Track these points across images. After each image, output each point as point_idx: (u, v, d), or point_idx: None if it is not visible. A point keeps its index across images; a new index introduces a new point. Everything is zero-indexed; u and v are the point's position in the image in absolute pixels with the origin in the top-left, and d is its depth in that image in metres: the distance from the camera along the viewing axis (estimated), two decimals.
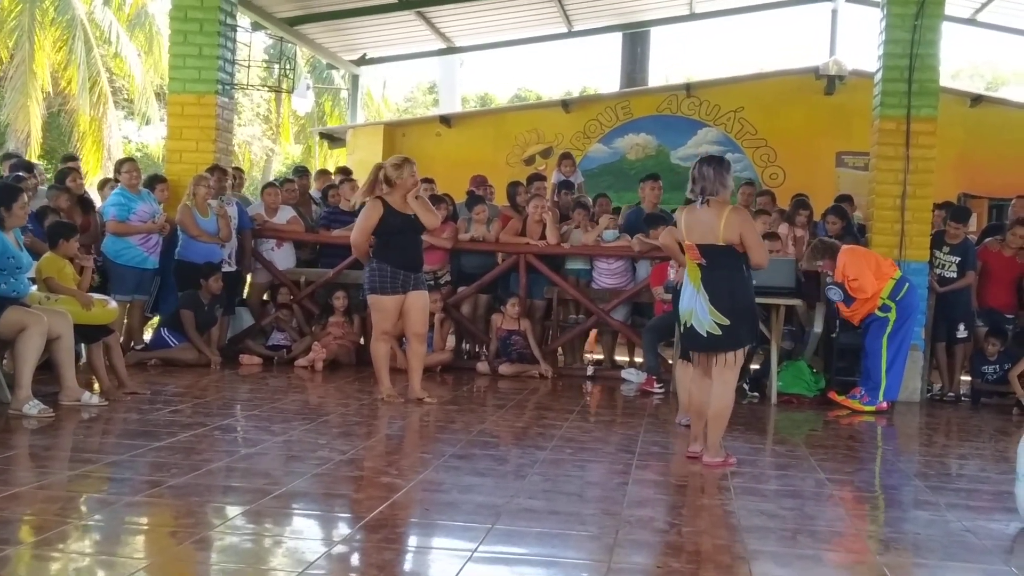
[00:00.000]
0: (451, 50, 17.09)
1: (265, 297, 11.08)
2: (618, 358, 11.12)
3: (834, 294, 9.19)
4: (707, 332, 6.11)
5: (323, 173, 12.68)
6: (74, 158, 11.74)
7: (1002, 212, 11.72)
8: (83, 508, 4.60)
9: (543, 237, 10.48)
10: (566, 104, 16.08)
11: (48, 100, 23.10)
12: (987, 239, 10.47)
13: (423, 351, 8.38)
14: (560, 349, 11.05)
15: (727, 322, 6.04)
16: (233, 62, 11.15)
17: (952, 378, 10.19)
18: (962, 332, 10.05)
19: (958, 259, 10.01)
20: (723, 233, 5.99)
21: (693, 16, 16.29)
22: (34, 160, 14.82)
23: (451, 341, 10.63)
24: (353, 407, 7.81)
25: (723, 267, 6.05)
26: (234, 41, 11.17)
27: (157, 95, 22.71)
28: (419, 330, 8.21)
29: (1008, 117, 14.68)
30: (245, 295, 11.18)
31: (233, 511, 4.63)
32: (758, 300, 7.96)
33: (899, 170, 9.98)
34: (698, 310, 6.13)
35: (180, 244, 9.96)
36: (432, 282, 10.25)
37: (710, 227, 6.03)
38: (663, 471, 6.01)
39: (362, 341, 10.47)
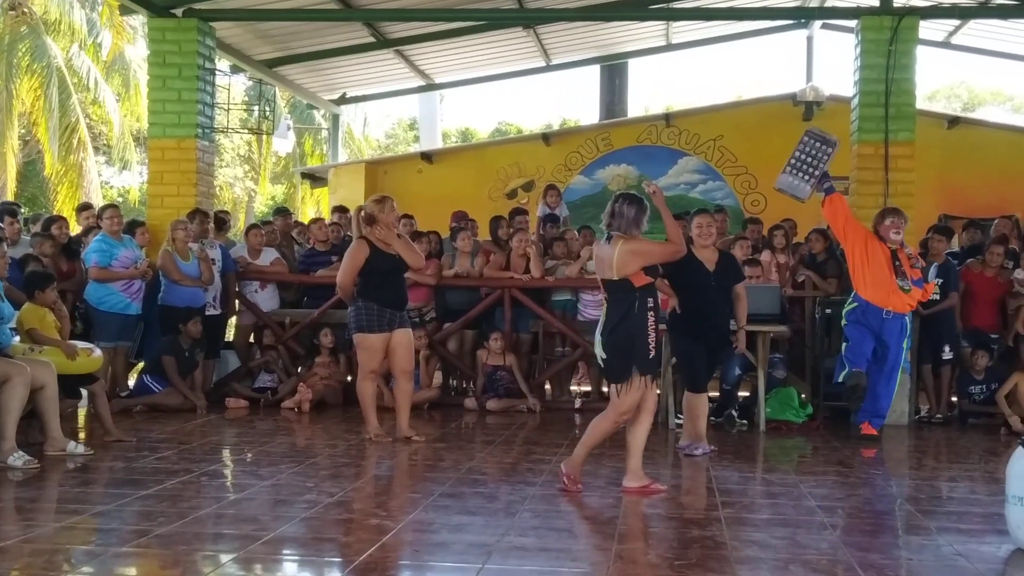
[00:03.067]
0: (431, 87, 17.16)
1: (251, 339, 11.04)
2: (605, 390, 11.08)
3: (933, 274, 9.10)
4: (599, 361, 6.34)
5: (281, 212, 12.61)
6: (89, 207, 11.69)
7: (986, 232, 11.77)
8: (70, 561, 4.55)
9: (527, 271, 10.49)
10: (547, 137, 16.13)
11: (27, 148, 23.10)
12: (969, 260, 10.52)
13: (410, 389, 8.36)
14: (547, 382, 11.03)
15: (604, 355, 6.16)
16: (212, 105, 11.18)
17: (939, 400, 10.20)
18: (947, 354, 10.07)
19: (940, 280, 10.05)
20: (616, 266, 6.05)
21: (670, 47, 16.40)
22: None
23: (438, 378, 10.60)
24: (341, 448, 7.77)
25: (614, 302, 6.14)
26: (213, 85, 11.20)
27: (136, 139, 22.72)
28: (406, 368, 8.20)
29: (986, 137, 14.79)
30: (231, 337, 11.14)
31: (223, 559, 4.59)
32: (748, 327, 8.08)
33: (879, 194, 10.05)
34: (596, 339, 6.29)
35: (163, 289, 9.92)
36: (417, 319, 10.25)
37: (608, 262, 6.10)
38: (653, 504, 5.98)
39: (349, 379, 10.44)
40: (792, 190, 8.56)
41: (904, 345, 8.75)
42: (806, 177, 8.44)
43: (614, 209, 6.15)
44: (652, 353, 6.11)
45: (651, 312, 6.08)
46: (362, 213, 8.06)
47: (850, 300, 8.71)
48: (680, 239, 6.41)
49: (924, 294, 8.77)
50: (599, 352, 6.23)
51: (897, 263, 8.48)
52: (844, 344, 8.80)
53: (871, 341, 8.65)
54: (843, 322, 8.78)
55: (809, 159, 8.41)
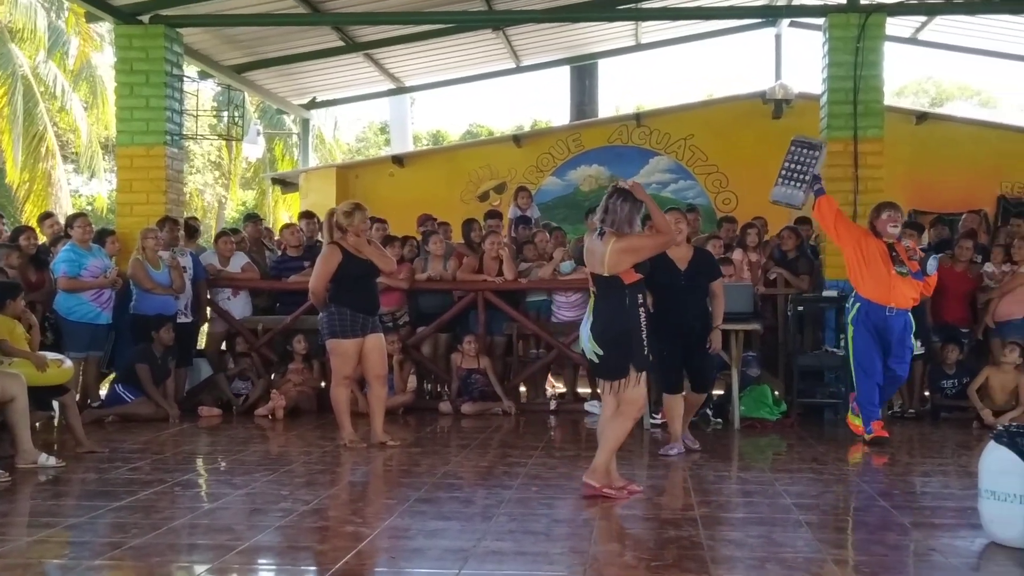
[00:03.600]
0: (401, 90, 17.13)
1: (223, 347, 10.98)
2: (581, 391, 11.10)
3: (934, 266, 8.49)
4: (590, 359, 6.28)
5: (251, 218, 12.58)
6: (51, 215, 11.63)
7: (953, 228, 11.86)
8: (43, 575, 4.50)
9: (500, 273, 10.48)
10: (518, 139, 16.13)
11: None
12: (939, 255, 10.56)
13: (384, 394, 8.34)
14: (522, 384, 11.03)
15: (601, 352, 6.12)
16: (181, 112, 11.12)
17: (912, 395, 10.26)
18: (918, 348, 10.11)
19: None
20: (608, 264, 6.04)
21: (639, 47, 16.43)
22: None
23: (412, 382, 10.56)
24: (315, 455, 7.74)
25: (606, 297, 6.12)
26: (181, 91, 11.14)
27: (104, 147, 22.54)
28: (380, 372, 8.18)
29: (954, 133, 14.88)
30: (202, 345, 11.08)
31: (197, 569, 4.56)
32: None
33: (849, 191, 10.11)
34: (583, 336, 6.25)
35: (134, 298, 9.85)
36: (391, 323, 10.22)
37: (600, 258, 6.09)
38: (629, 505, 5.98)
39: (323, 385, 10.40)
40: (787, 199, 8.48)
41: (909, 343, 8.42)
42: (797, 184, 8.38)
43: (608, 204, 6.11)
44: (646, 350, 6.15)
45: (642, 308, 6.12)
46: (333, 219, 8.04)
47: (851, 302, 8.42)
48: (669, 228, 6.39)
49: (926, 287, 8.44)
50: (591, 349, 6.16)
51: (894, 254, 8.23)
52: (852, 355, 8.39)
53: (878, 347, 8.29)
54: (849, 328, 8.41)
55: (798, 167, 8.35)
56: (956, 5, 12.47)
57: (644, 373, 6.17)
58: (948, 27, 14.39)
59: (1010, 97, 37.26)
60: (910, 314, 8.34)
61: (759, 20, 15.58)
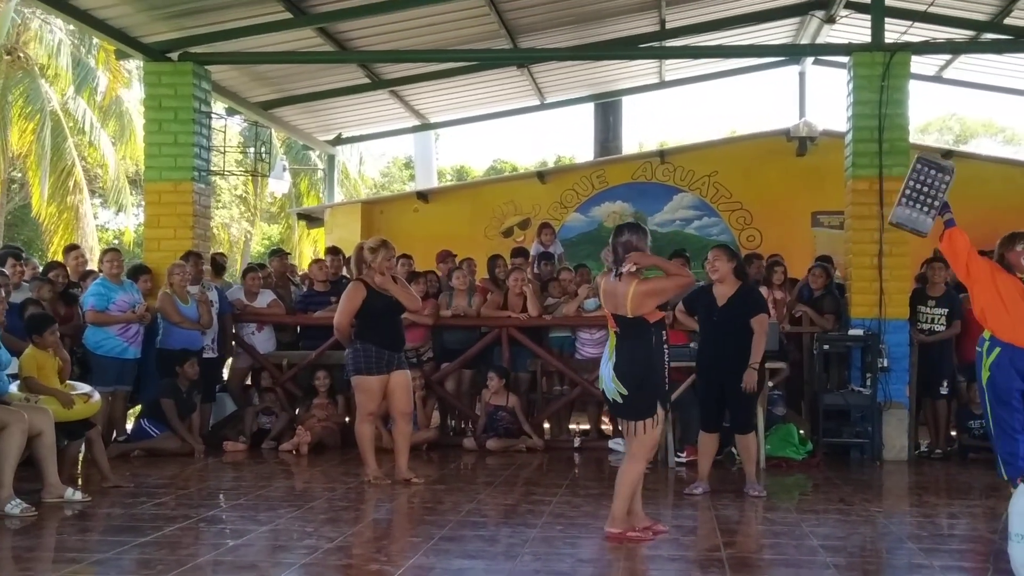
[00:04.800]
0: (426, 126, 17.22)
1: (248, 382, 11.02)
2: (605, 427, 11.06)
3: None
4: (612, 399, 6.20)
5: (277, 253, 12.65)
6: (76, 247, 11.73)
7: None
8: None
9: (524, 309, 10.49)
10: (542, 175, 16.18)
11: (23, 191, 23.11)
12: (961, 295, 10.49)
13: (409, 430, 8.34)
14: (546, 421, 11.01)
15: (626, 392, 6.07)
16: (209, 148, 11.21)
17: (939, 434, 10.18)
18: (944, 388, 10.07)
19: (946, 310, 10.06)
20: (630, 307, 6.01)
21: (663, 84, 16.49)
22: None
23: (436, 418, 10.55)
24: (340, 491, 7.74)
25: (631, 337, 6.08)
26: (209, 128, 11.24)
27: (131, 182, 22.76)
28: (405, 409, 8.18)
29: (979, 170, 14.80)
30: (225, 380, 11.13)
31: None
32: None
33: (874, 229, 10.07)
34: (604, 376, 6.19)
35: (161, 332, 9.91)
36: (415, 359, 10.23)
37: (622, 300, 6.05)
38: (655, 546, 5.95)
39: (347, 420, 10.41)
40: (912, 224, 7.63)
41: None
42: (925, 208, 7.54)
43: (615, 245, 6.15)
44: (667, 387, 6.15)
45: (665, 346, 6.13)
46: (360, 254, 8.08)
47: (987, 346, 7.44)
48: (681, 270, 6.39)
49: None
50: (615, 389, 6.11)
51: None
52: (989, 406, 7.45)
53: (1021, 396, 7.35)
54: (985, 375, 7.44)
55: (925, 188, 7.54)
56: (982, 44, 12.48)
57: (665, 412, 6.16)
58: (972, 65, 14.38)
59: None
60: None
61: (783, 58, 15.63)
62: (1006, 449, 7.31)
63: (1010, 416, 7.29)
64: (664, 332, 6.15)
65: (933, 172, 7.52)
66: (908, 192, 7.58)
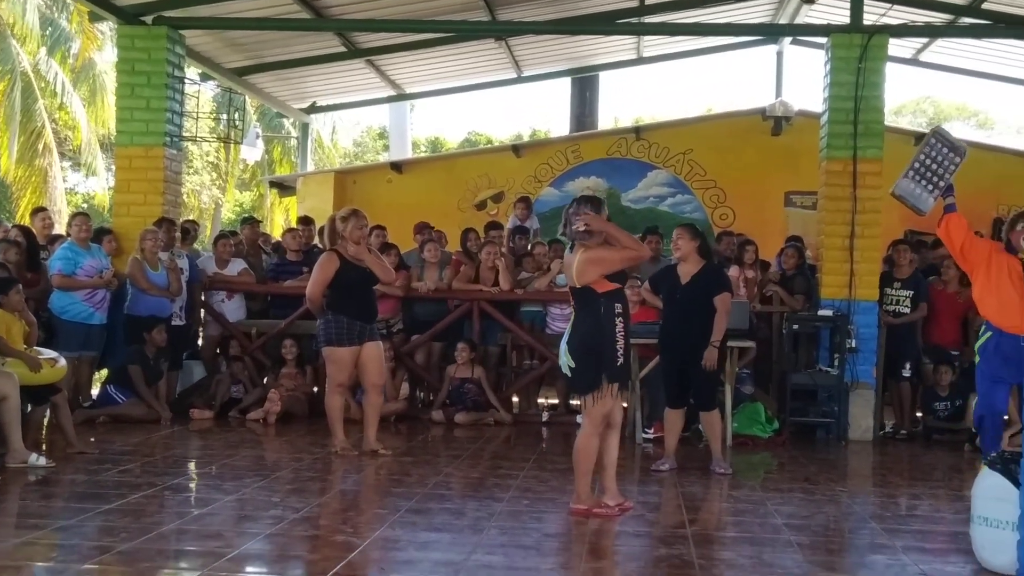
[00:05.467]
0: (401, 96, 17.10)
1: (217, 350, 10.97)
2: (573, 402, 11.08)
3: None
4: (564, 373, 6.22)
5: (248, 221, 12.57)
6: (43, 210, 11.63)
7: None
8: None
9: (496, 283, 10.48)
10: (517, 149, 16.12)
11: None
12: (930, 278, 10.57)
13: (379, 402, 8.31)
14: (515, 395, 11.02)
15: (573, 364, 6.06)
16: (181, 114, 11.10)
17: (904, 416, 10.27)
18: (907, 371, 10.15)
19: (911, 292, 10.13)
20: (576, 276, 6.00)
21: (641, 60, 16.44)
22: None
23: (405, 390, 10.55)
24: (307, 461, 7.71)
25: (580, 309, 6.06)
26: (182, 93, 11.12)
27: (102, 145, 22.52)
28: (377, 381, 8.16)
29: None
30: (199, 347, 11.06)
31: None
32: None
33: (847, 211, 10.11)
34: (561, 350, 6.19)
35: (129, 298, 9.83)
36: (384, 331, 10.19)
37: (569, 269, 6.07)
38: (621, 522, 5.96)
39: (315, 390, 10.40)
40: (913, 199, 7.28)
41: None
42: (930, 187, 7.21)
43: (566, 216, 6.12)
44: (620, 360, 6.02)
45: (619, 318, 5.99)
46: (333, 224, 8.03)
47: (982, 330, 7.32)
48: (634, 243, 6.21)
49: None
50: (566, 361, 6.12)
51: None
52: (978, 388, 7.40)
53: (1005, 386, 7.24)
54: (976, 358, 7.35)
55: (935, 165, 7.20)
56: (960, 28, 12.49)
57: (618, 386, 6.06)
58: (949, 49, 14.41)
59: (1008, 119, 37.47)
60: None
61: (761, 37, 15.62)
62: (988, 436, 7.20)
63: (994, 401, 7.17)
64: (617, 304, 6.01)
65: (945, 151, 7.21)
66: (917, 166, 7.24)
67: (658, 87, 54.54)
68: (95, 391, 10.16)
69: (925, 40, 13.81)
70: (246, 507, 6.03)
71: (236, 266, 10.79)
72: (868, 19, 10.60)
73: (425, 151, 31.68)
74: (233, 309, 10.82)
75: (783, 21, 14.38)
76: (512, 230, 12.13)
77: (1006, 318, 6.99)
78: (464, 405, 10.12)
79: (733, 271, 10.43)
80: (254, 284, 10.93)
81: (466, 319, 10.60)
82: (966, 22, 12.31)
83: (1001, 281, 7.01)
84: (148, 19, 10.60)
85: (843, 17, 11.03)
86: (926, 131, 18.51)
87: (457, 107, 62.54)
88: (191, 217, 17.49)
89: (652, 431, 9.24)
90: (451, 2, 12.16)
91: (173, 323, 10.03)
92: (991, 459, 5.10)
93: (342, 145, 31.05)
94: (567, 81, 18.03)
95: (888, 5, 11.69)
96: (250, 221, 12.52)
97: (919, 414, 10.37)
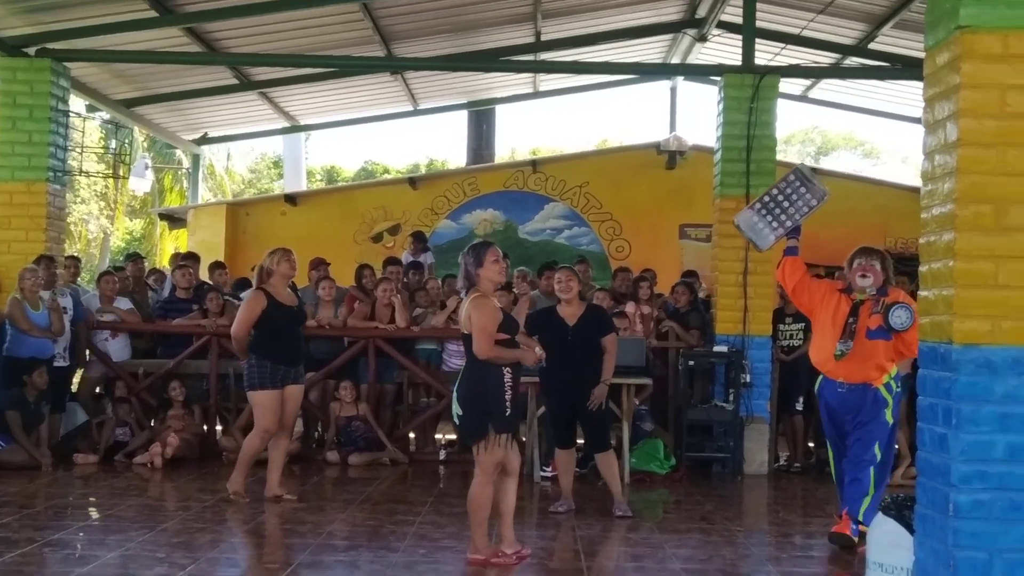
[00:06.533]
0: (296, 128, 16.93)
1: (98, 390, 10.60)
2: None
3: (902, 318, 6.38)
4: (454, 421, 6.22)
5: (132, 257, 12.24)
6: None
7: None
8: None
9: (392, 320, 10.35)
10: (413, 181, 16.08)
11: None
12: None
13: (286, 445, 8.09)
14: (412, 433, 10.87)
15: (461, 412, 6.02)
16: (66, 148, 10.78)
17: (796, 448, 10.39)
18: (799, 404, 10.28)
19: (803, 324, 10.25)
20: (463, 322, 5.98)
21: (538, 94, 16.52)
22: None
23: (298, 428, 10.32)
24: (195, 510, 7.46)
25: (468, 355, 6.00)
26: (66, 127, 10.79)
27: None
28: (288, 423, 8.00)
29: (837, 188, 14.93)
30: (75, 389, 10.68)
31: None
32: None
33: (740, 247, 10.19)
34: (453, 398, 6.13)
35: (8, 340, 9.44)
36: None
37: (463, 315, 6.01)
38: (519, 570, 5.87)
39: (204, 430, 10.13)
40: (752, 233, 6.95)
41: (880, 425, 6.52)
42: (774, 223, 6.84)
43: (463, 265, 6.01)
44: (508, 411, 5.93)
45: (506, 369, 5.93)
46: (262, 265, 7.89)
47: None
48: (483, 354, 5.88)
49: (904, 346, 6.48)
50: (455, 409, 6.06)
51: (851, 320, 6.56)
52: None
53: (833, 427, 6.79)
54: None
55: (787, 203, 6.81)
56: (843, 70, 12.91)
57: (508, 436, 5.96)
58: (836, 87, 14.78)
59: (893, 148, 38.71)
60: (881, 391, 6.54)
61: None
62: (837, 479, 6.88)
63: (832, 446, 6.85)
64: None
65: (803, 191, 6.81)
66: (767, 200, 6.90)
67: (554, 119, 55.05)
68: None
69: (814, 79, 14.14)
70: (129, 565, 5.78)
71: (121, 305, 10.46)
72: (761, 58, 10.79)
73: (321, 180, 31.41)
74: (118, 348, 10.47)
75: (676, 59, 14.59)
76: (406, 265, 12.02)
77: (821, 361, 6.73)
78: (356, 445, 9.93)
79: (629, 307, 10.47)
80: (142, 323, 10.62)
81: (362, 357, 10.44)
82: (854, 62, 12.66)
83: (824, 320, 6.73)
84: (31, 51, 10.25)
85: (735, 55, 11.22)
86: (816, 166, 18.95)
87: (353, 136, 62.39)
88: (77, 247, 17.03)
89: (550, 469, 9.17)
90: (347, 36, 12.06)
91: (56, 364, 9.66)
92: (886, 504, 5.15)
93: (237, 172, 30.55)
94: (464, 114, 18.04)
95: (780, 45, 11.96)
96: (134, 258, 12.18)
97: (811, 444, 10.50)
